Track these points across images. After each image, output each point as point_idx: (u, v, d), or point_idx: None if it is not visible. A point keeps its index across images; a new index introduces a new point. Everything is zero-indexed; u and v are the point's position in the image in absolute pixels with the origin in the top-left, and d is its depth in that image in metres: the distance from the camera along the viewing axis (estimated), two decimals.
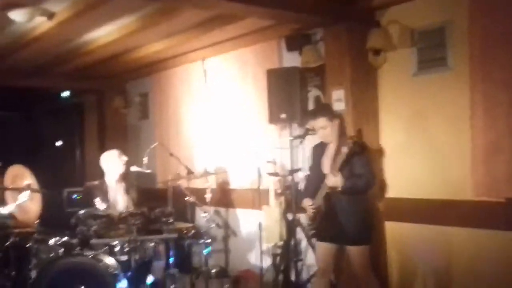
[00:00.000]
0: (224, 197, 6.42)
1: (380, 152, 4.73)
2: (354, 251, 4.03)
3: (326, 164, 4.10)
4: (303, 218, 4.21)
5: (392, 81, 4.71)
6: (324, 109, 4.33)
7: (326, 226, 4.05)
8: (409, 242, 4.60)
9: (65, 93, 9.08)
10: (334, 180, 3.90)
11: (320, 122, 4.10)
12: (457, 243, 4.29)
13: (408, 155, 4.56)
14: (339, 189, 3.92)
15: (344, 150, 3.79)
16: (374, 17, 4.69)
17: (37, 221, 4.91)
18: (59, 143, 9.86)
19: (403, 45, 4.60)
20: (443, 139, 4.36)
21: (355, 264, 4.07)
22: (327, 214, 4.02)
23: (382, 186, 4.68)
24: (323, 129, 4.10)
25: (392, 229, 4.71)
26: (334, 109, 4.66)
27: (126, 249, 4.39)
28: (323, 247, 4.16)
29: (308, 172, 4.41)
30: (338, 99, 4.68)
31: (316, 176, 4.17)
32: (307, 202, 4.16)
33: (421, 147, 4.50)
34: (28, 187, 4.72)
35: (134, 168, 5.38)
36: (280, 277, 5.21)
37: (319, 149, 4.27)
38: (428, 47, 4.47)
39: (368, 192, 4.11)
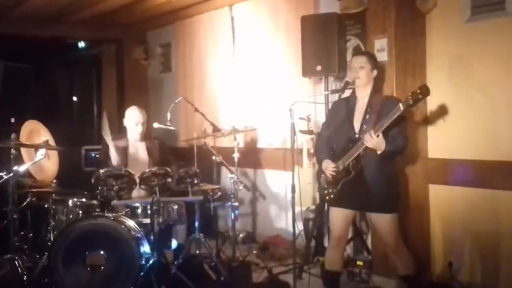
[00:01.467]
0: (253, 157, 6.39)
1: (425, 108, 4.60)
2: (386, 219, 3.93)
3: (357, 121, 3.96)
4: (322, 181, 4.12)
5: (442, 29, 4.53)
6: (370, 53, 4.18)
7: (351, 191, 3.93)
8: (455, 206, 4.52)
9: (81, 44, 9.07)
10: (376, 142, 3.72)
11: (361, 59, 3.97)
12: (507, 208, 4.18)
13: (458, 111, 4.43)
14: (379, 152, 3.78)
15: (399, 107, 3.62)
16: None
17: (54, 181, 4.96)
18: (75, 98, 9.94)
19: None
20: (497, 94, 4.21)
21: (385, 233, 3.98)
22: (355, 179, 3.90)
23: (417, 150, 4.60)
24: (362, 69, 3.95)
25: (436, 192, 4.63)
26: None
27: (148, 211, 4.41)
28: (342, 213, 4.06)
29: (324, 130, 4.25)
30: (381, 49, 4.53)
31: (340, 135, 4.03)
32: (328, 164, 4.01)
33: (472, 103, 4.35)
34: (45, 144, 4.74)
35: (156, 125, 5.37)
36: (312, 243, 5.21)
37: (342, 104, 4.10)
38: None
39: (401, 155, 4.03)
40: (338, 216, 4.08)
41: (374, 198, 3.88)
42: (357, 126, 3.95)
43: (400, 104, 3.63)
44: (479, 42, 4.30)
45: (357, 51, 4.08)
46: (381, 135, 3.72)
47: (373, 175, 3.88)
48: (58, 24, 7.40)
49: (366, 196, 3.89)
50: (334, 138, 4.09)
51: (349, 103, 4.06)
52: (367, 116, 3.91)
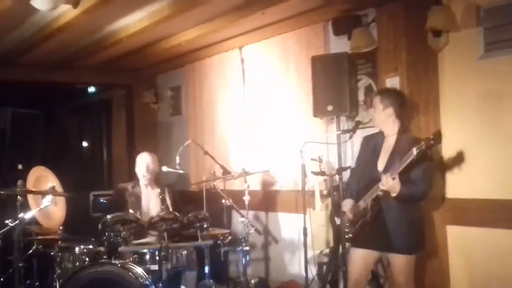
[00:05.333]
0: (264, 200, 6.33)
1: (440, 147, 4.54)
2: (402, 261, 3.91)
3: (382, 161, 3.95)
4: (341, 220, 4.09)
5: (455, 66, 4.52)
6: (387, 91, 4.18)
7: (370, 232, 3.92)
8: (475, 248, 4.42)
9: (91, 89, 9.19)
10: (391, 185, 3.71)
11: (374, 99, 4.00)
12: None
13: (474, 149, 4.37)
14: (393, 195, 3.76)
15: (413, 152, 3.60)
16: None
17: (61, 227, 4.94)
18: (85, 143, 10.00)
19: (467, 24, 4.41)
20: None
21: (399, 274, 3.95)
22: (373, 219, 3.88)
23: (443, 197, 4.55)
24: (374, 110, 3.97)
25: (455, 234, 4.54)
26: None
27: (157, 258, 4.35)
28: (361, 255, 4.05)
29: (354, 166, 4.27)
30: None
31: (365, 173, 4.03)
32: (348, 203, 4.04)
33: (489, 141, 4.30)
34: (51, 190, 4.74)
35: (165, 169, 5.36)
36: None
37: (372, 141, 4.12)
38: (497, 26, 4.27)
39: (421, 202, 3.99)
40: (358, 258, 4.06)
41: (392, 238, 3.85)
42: (381, 166, 3.95)
43: (414, 149, 3.61)
44: (494, 79, 4.28)
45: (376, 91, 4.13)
46: (397, 178, 3.69)
47: (394, 215, 3.85)
48: (67, 69, 7.49)
49: (385, 236, 3.86)
50: (361, 175, 4.10)
51: (377, 141, 4.06)
52: (393, 156, 3.90)
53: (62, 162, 7.12)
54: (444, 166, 4.53)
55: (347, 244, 4.21)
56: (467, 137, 4.40)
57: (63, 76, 7.65)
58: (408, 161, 3.63)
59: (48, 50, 6.51)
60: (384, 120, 3.97)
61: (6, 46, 6.36)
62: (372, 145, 4.08)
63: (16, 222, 4.49)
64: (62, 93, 8.85)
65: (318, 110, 5.10)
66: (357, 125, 4.29)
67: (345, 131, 4.69)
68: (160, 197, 5.10)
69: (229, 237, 5.14)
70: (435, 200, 4.49)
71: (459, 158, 4.39)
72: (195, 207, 5.19)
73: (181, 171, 5.37)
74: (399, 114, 3.98)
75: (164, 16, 5.35)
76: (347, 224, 4.06)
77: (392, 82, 4.56)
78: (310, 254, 5.06)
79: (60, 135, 9.32)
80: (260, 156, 6.38)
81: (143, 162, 5.13)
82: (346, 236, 4.08)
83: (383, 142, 4.02)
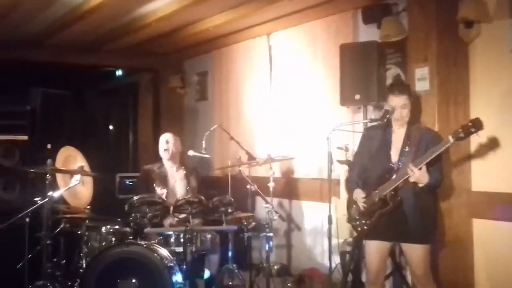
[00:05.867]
0: (289, 187, 6.34)
1: (468, 139, 4.50)
2: (418, 251, 3.88)
3: (395, 153, 3.92)
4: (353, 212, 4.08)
5: (486, 58, 4.48)
6: (404, 86, 4.15)
7: (386, 223, 3.89)
8: (501, 242, 4.38)
9: (119, 72, 9.25)
10: (418, 175, 3.68)
11: (403, 100, 3.92)
12: None
13: (503, 142, 4.33)
14: (421, 185, 3.73)
15: (449, 140, 3.58)
16: None
17: (88, 207, 5.01)
18: (111, 126, 10.09)
19: (500, 15, 4.35)
20: None
21: (416, 264, 3.93)
22: (392, 211, 3.85)
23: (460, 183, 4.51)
24: (403, 109, 3.92)
25: (480, 228, 4.51)
26: (417, 89, 4.50)
27: (181, 240, 4.39)
28: (378, 247, 4.02)
29: (357, 159, 4.23)
30: (422, 78, 4.49)
31: (376, 165, 3.99)
32: (358, 194, 3.99)
33: None
34: (80, 170, 4.80)
35: (191, 153, 5.40)
36: (349, 277, 5.10)
37: (377, 133, 4.07)
38: None
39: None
40: (374, 250, 4.04)
41: (409, 229, 3.84)
42: (394, 157, 3.92)
43: (450, 137, 3.58)
44: None
45: (393, 89, 4.04)
46: (424, 168, 3.67)
47: (410, 206, 3.84)
48: (96, 52, 7.56)
49: (402, 227, 3.85)
50: (369, 167, 4.05)
51: (385, 132, 4.02)
52: (406, 147, 3.88)
53: (89, 144, 7.19)
54: (471, 159, 4.49)
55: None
56: (496, 129, 4.35)
57: (92, 58, 7.71)
58: (443, 149, 3.61)
59: (78, 31, 6.57)
60: (406, 115, 3.94)
61: (37, 27, 6.43)
62: (378, 136, 4.04)
63: (45, 200, 4.57)
64: (91, 75, 8.91)
65: (345, 99, 5.08)
66: (386, 114, 4.25)
67: (373, 120, 4.65)
68: (185, 179, 5.12)
69: (253, 223, 5.16)
70: (461, 192, 4.47)
71: (487, 151, 4.35)
72: (219, 192, 5.21)
73: (207, 156, 5.40)
74: None
75: (192, 1, 5.37)
76: (356, 217, 4.04)
77: (422, 72, 4.52)
78: (333, 242, 5.06)
79: (88, 117, 9.41)
80: (285, 144, 6.39)
81: (163, 138, 5.17)
82: (359, 229, 4.05)
83: (391, 133, 3.99)
